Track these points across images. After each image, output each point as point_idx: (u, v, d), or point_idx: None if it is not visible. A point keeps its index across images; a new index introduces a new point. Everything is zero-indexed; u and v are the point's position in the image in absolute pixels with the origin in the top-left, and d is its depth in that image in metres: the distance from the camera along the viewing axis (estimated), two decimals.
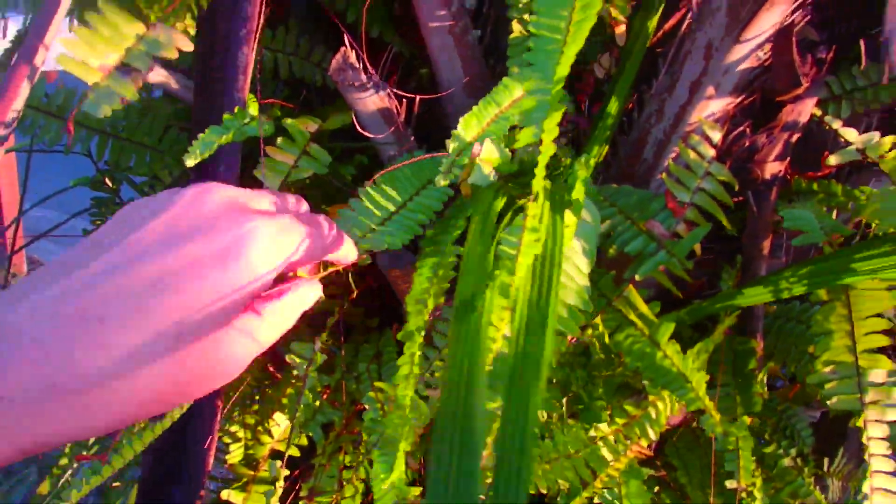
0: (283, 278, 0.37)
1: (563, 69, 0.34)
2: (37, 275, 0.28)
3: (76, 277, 0.27)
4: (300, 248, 0.33)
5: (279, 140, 0.60)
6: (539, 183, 0.35)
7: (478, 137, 0.48)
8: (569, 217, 0.48)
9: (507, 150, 0.49)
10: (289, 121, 0.59)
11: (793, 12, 0.52)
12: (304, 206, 0.42)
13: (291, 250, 0.32)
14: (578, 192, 0.50)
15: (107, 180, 0.88)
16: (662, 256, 0.60)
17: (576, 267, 0.47)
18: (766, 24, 0.51)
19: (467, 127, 0.47)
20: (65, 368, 0.25)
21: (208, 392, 0.30)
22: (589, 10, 0.36)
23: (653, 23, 0.58)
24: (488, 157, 0.43)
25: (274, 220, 0.32)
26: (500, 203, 0.43)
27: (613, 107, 0.62)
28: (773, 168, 0.65)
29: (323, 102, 0.81)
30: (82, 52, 0.44)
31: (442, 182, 0.45)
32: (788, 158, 0.66)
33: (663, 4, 0.57)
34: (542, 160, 0.35)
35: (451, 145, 0.47)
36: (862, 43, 0.60)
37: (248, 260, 0.30)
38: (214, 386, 0.30)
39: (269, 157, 0.56)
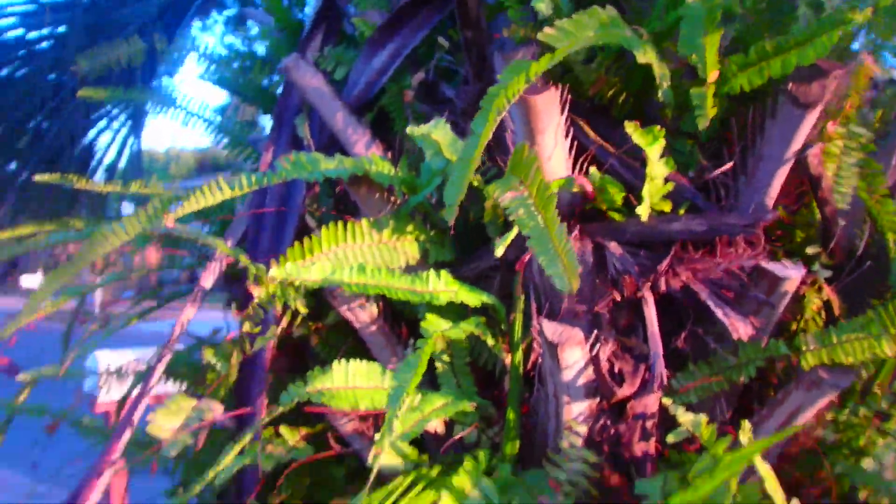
0: None
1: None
2: None
3: None
4: None
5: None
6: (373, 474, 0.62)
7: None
8: (447, 498, 0.72)
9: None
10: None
11: (591, 347, 0.80)
12: None
13: None
14: (461, 480, 0.74)
15: (180, 490, 1.18)
16: None
17: None
18: (573, 357, 0.79)
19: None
20: None
21: None
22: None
23: (518, 357, 0.87)
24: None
25: None
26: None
27: (511, 415, 0.88)
28: (641, 447, 0.87)
29: None
30: (161, 421, 0.78)
31: None
32: (653, 438, 0.87)
33: (521, 344, 0.87)
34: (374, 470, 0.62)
35: None
36: (661, 360, 0.86)
37: None
38: None
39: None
